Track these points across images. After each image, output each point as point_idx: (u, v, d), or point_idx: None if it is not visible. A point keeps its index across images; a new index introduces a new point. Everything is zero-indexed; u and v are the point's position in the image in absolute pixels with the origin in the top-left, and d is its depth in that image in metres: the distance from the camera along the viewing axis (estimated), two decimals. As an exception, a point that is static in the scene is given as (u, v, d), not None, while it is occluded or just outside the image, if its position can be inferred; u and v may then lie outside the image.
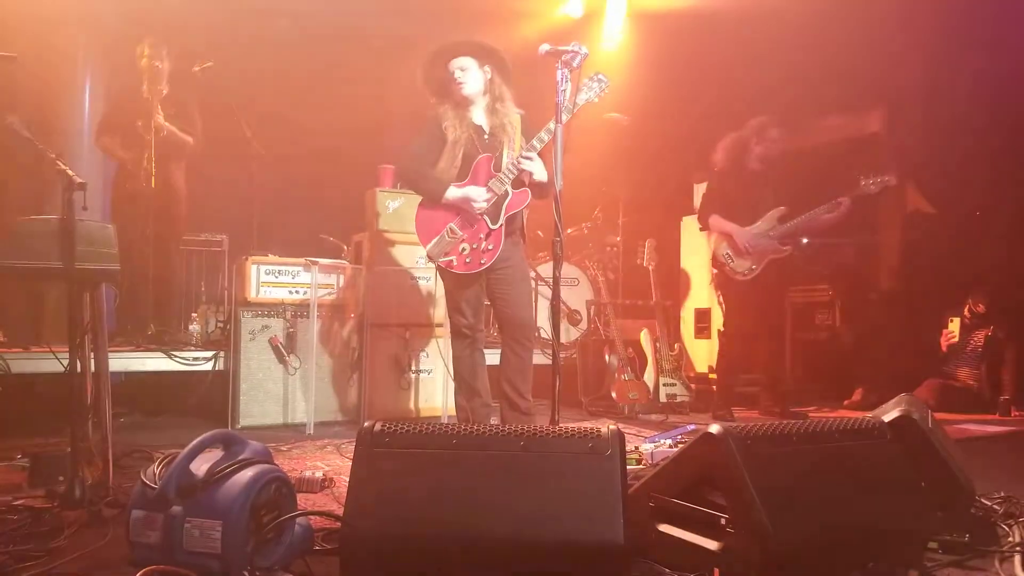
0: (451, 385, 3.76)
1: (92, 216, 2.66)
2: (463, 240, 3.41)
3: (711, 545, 1.82)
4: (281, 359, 4.33)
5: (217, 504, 1.78)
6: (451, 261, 3.42)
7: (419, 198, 3.56)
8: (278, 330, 4.34)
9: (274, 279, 4.41)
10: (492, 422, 3.51)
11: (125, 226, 4.05)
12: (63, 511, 2.30)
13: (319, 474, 2.81)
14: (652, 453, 3.08)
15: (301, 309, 4.40)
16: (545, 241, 5.83)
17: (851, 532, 1.85)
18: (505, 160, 3.42)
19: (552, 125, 2.93)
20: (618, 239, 6.46)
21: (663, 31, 6.33)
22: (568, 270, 6.04)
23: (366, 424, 1.92)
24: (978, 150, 5.75)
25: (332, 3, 5.66)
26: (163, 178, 4.65)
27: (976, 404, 5.29)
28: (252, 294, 4.34)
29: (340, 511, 1.86)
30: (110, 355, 2.95)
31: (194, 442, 1.87)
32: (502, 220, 3.41)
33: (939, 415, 2.72)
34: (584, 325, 5.98)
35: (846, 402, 5.52)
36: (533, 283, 5.15)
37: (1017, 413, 5.14)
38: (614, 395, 5.01)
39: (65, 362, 2.54)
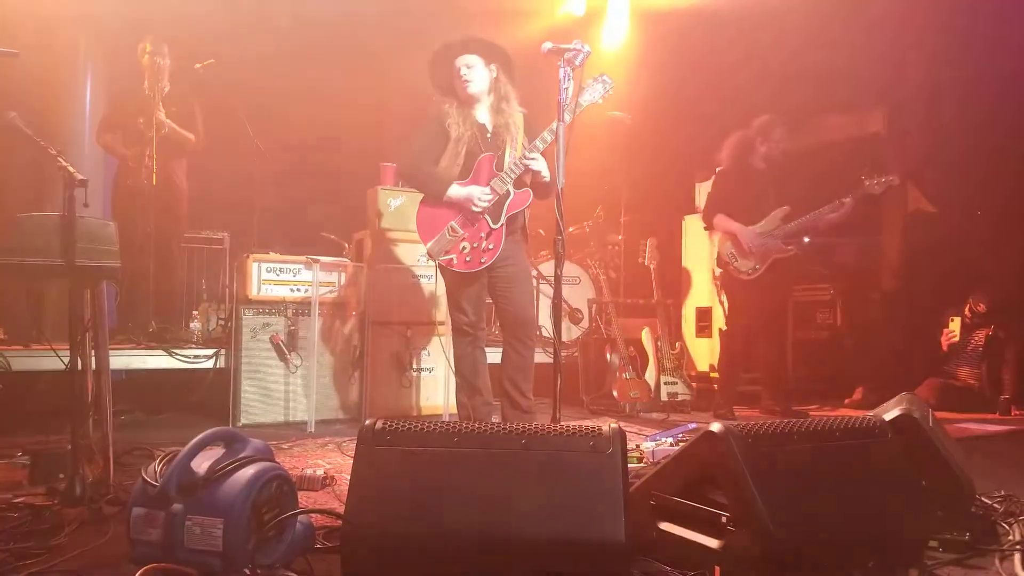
0: (452, 383, 3.76)
1: (93, 213, 2.67)
2: (464, 239, 3.41)
3: (712, 543, 1.82)
4: (282, 357, 4.34)
5: (218, 502, 1.78)
6: (451, 259, 3.42)
7: (420, 196, 3.56)
8: (279, 328, 4.34)
9: (275, 277, 4.41)
10: (493, 420, 3.51)
11: (126, 223, 4.06)
12: (64, 509, 2.30)
13: (320, 472, 2.81)
14: (653, 451, 3.07)
15: (302, 307, 4.40)
16: (547, 239, 5.83)
17: (852, 530, 1.84)
18: (507, 159, 3.42)
19: (555, 125, 2.93)
20: (620, 237, 6.45)
21: (665, 30, 6.33)
22: (570, 268, 6.04)
23: (367, 422, 1.92)
24: (979, 150, 5.74)
25: (334, 1, 5.65)
26: (164, 175, 4.66)
27: (977, 403, 5.29)
28: (253, 292, 4.34)
29: (341, 509, 1.86)
30: (111, 353, 2.96)
31: (195, 440, 1.87)
32: (503, 219, 3.41)
33: (940, 414, 2.71)
34: (585, 323, 5.98)
35: (847, 401, 5.51)
36: (535, 281, 5.15)
37: (1018, 412, 5.14)
38: (615, 394, 5.01)
39: (66, 360, 2.54)
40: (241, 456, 1.90)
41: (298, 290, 4.44)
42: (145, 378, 4.48)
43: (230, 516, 1.77)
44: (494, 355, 3.76)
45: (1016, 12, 5.20)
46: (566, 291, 5.78)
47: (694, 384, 5.29)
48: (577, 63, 2.92)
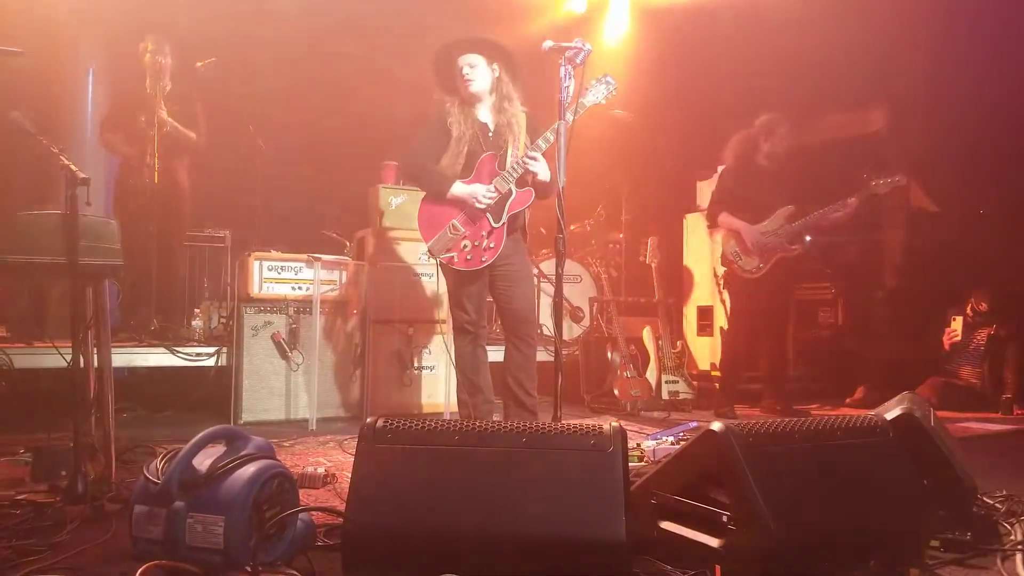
0: (454, 381, 3.76)
1: (95, 211, 2.66)
2: (465, 237, 3.41)
3: (713, 542, 1.82)
4: (284, 355, 4.34)
5: (220, 499, 1.79)
6: (452, 257, 3.42)
7: (422, 194, 3.56)
8: (281, 326, 4.35)
9: (277, 275, 4.41)
10: (494, 419, 3.51)
11: (128, 222, 4.05)
12: (66, 506, 2.31)
13: (321, 470, 2.81)
14: (654, 450, 3.07)
15: (304, 305, 4.40)
16: (548, 238, 5.83)
17: (853, 530, 1.84)
18: (509, 159, 3.42)
19: (557, 125, 2.93)
20: (621, 236, 6.45)
21: (666, 28, 6.33)
22: (571, 267, 6.04)
23: (368, 420, 1.92)
24: (981, 148, 5.74)
25: (336, 0, 5.66)
26: (166, 174, 4.66)
27: (978, 402, 5.28)
28: (255, 290, 4.34)
29: (342, 507, 1.86)
30: (113, 350, 2.97)
31: (197, 437, 1.87)
32: (505, 218, 3.41)
33: (941, 413, 2.71)
34: (587, 322, 5.98)
35: (848, 400, 5.51)
36: (536, 280, 5.14)
37: (1019, 411, 5.13)
38: (616, 392, 5.01)
39: (68, 357, 2.54)
40: (242, 454, 1.90)
41: (299, 288, 4.44)
42: (147, 376, 4.49)
43: (231, 514, 1.77)
44: (496, 353, 3.76)
45: (1019, 9, 5.19)
46: (567, 289, 5.79)
47: (695, 383, 5.29)
48: (578, 61, 2.92)
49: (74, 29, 5.30)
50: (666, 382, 5.16)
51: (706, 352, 5.84)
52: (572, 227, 6.27)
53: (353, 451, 1.90)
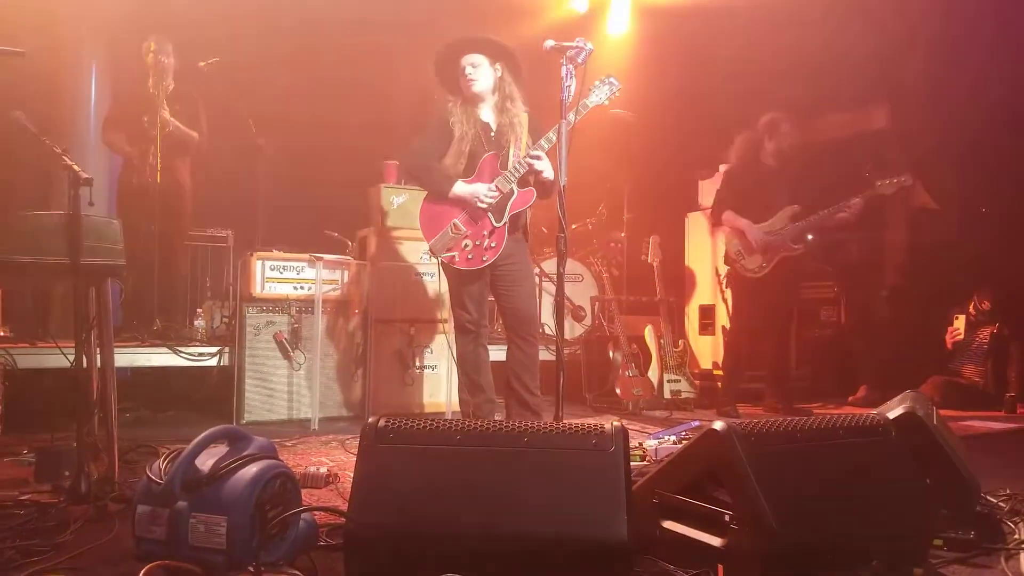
0: (455, 381, 3.76)
1: (98, 211, 2.66)
2: (466, 236, 3.41)
3: (715, 542, 1.82)
4: (286, 355, 4.35)
5: (222, 499, 1.79)
6: (453, 257, 3.42)
7: (424, 193, 3.56)
8: (283, 326, 4.35)
9: (279, 275, 4.41)
10: (496, 418, 3.51)
11: (131, 222, 4.03)
12: (69, 506, 2.31)
13: (323, 469, 2.81)
14: (656, 449, 3.08)
15: (306, 305, 4.41)
16: (549, 237, 5.83)
17: (855, 529, 1.84)
18: (511, 158, 3.42)
19: (559, 125, 2.93)
20: (622, 235, 6.44)
21: (667, 26, 6.32)
22: (572, 266, 6.03)
23: (370, 420, 1.92)
24: (983, 146, 5.73)
25: (338, -1, 5.66)
26: (169, 174, 4.66)
27: (981, 401, 5.27)
28: (257, 290, 4.35)
29: (344, 506, 1.86)
30: (116, 350, 2.97)
31: (199, 437, 1.87)
32: (506, 218, 3.41)
33: (944, 412, 2.71)
34: (588, 321, 5.98)
35: (850, 399, 5.51)
36: (537, 279, 5.14)
37: (1023, 410, 5.12)
38: (618, 391, 5.01)
39: (71, 357, 2.54)
40: (245, 454, 1.90)
41: (301, 288, 4.44)
42: (150, 376, 4.49)
43: (234, 514, 1.77)
44: (497, 353, 3.76)
45: (1019, 5, 5.18)
46: (569, 289, 5.79)
47: (697, 382, 5.29)
48: (579, 61, 2.92)
49: (77, 29, 5.30)
50: (668, 381, 5.16)
51: (708, 351, 5.84)
52: (574, 226, 6.26)
53: (355, 451, 1.90)
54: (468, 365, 3.56)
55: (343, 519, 1.84)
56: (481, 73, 3.45)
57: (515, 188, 3.40)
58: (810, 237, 4.73)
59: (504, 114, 3.48)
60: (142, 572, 1.70)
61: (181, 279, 5.09)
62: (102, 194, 4.93)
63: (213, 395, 4.45)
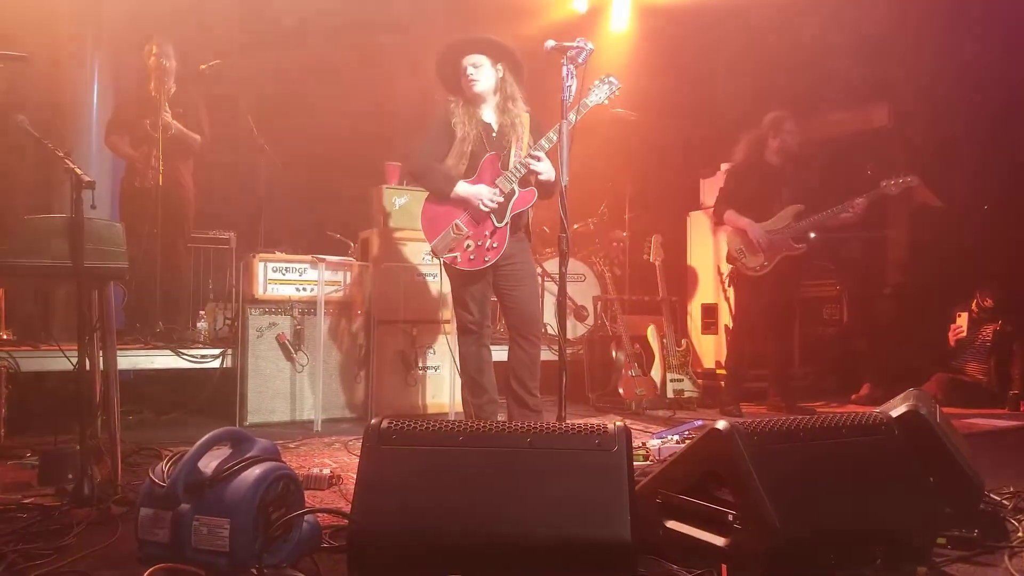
0: (458, 381, 3.76)
1: (100, 214, 2.66)
2: (468, 236, 3.41)
3: (718, 541, 1.82)
4: (288, 356, 4.35)
5: (225, 502, 1.79)
6: (455, 257, 3.42)
7: (426, 194, 3.56)
8: (285, 327, 4.35)
9: (281, 276, 4.42)
10: (499, 418, 3.51)
11: (133, 224, 4.07)
12: (72, 509, 2.31)
13: (327, 471, 2.81)
14: (659, 449, 3.07)
15: (308, 306, 4.41)
16: (551, 237, 5.82)
17: (859, 528, 1.84)
18: (512, 159, 3.42)
19: (560, 125, 2.93)
20: (624, 235, 6.44)
21: (668, 25, 6.31)
22: (574, 266, 6.03)
23: (373, 421, 1.92)
24: (985, 143, 5.72)
25: (340, 0, 5.66)
26: (171, 176, 4.67)
27: (985, 399, 5.26)
28: (259, 291, 4.35)
29: (348, 508, 1.86)
30: (119, 353, 2.97)
31: (202, 440, 1.88)
32: (508, 218, 3.41)
33: (947, 410, 2.71)
34: (591, 321, 5.98)
35: (853, 397, 5.50)
36: (539, 279, 5.14)
37: (1026, 407, 5.12)
38: (621, 391, 5.01)
39: (74, 360, 2.55)
40: (248, 456, 1.91)
41: (304, 289, 4.45)
42: (152, 378, 4.49)
43: (237, 516, 1.77)
44: (500, 353, 3.76)
45: (1019, 4, 5.17)
46: (571, 288, 5.79)
47: (700, 381, 5.28)
48: (580, 61, 2.92)
49: (79, 33, 5.30)
50: (671, 380, 5.15)
51: (711, 350, 5.84)
52: (575, 226, 6.26)
53: (358, 452, 1.90)
54: (471, 366, 3.56)
55: (346, 521, 1.83)
56: (483, 73, 3.45)
57: (516, 188, 3.40)
58: (813, 235, 4.73)
59: (505, 114, 3.48)
60: (145, 575, 1.70)
61: (184, 281, 5.09)
62: (104, 197, 4.93)
63: (216, 397, 4.45)
